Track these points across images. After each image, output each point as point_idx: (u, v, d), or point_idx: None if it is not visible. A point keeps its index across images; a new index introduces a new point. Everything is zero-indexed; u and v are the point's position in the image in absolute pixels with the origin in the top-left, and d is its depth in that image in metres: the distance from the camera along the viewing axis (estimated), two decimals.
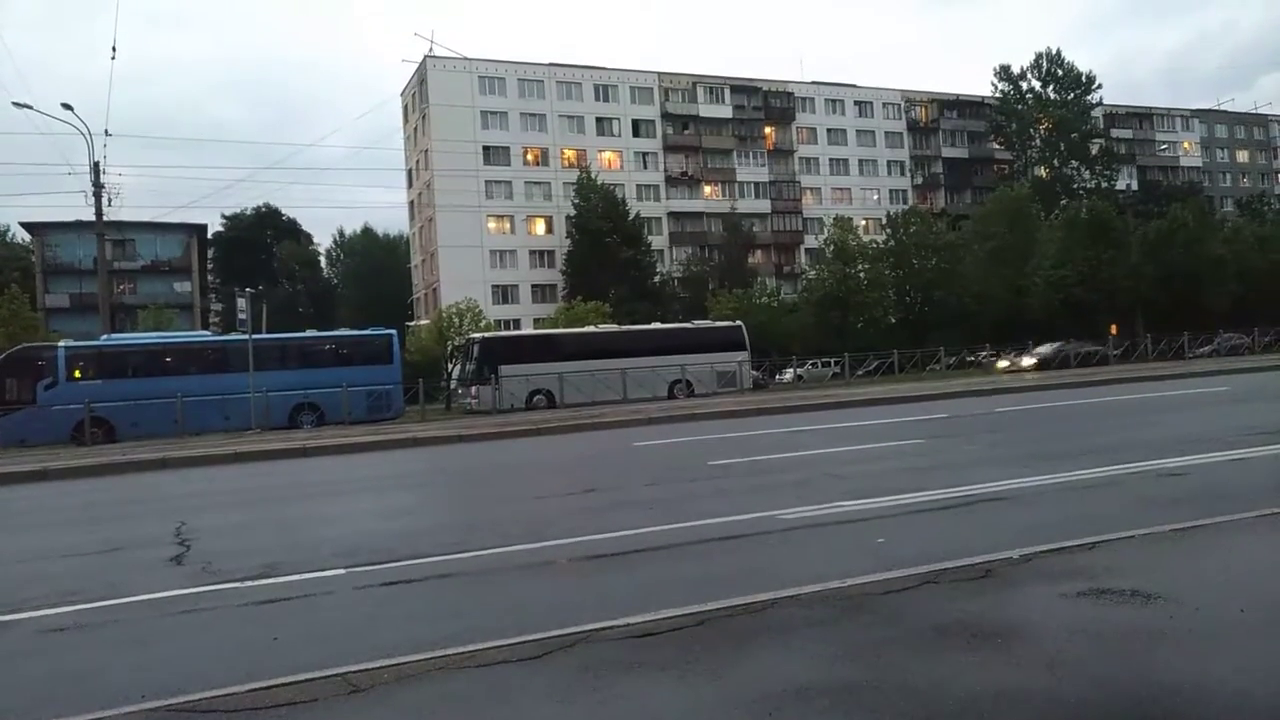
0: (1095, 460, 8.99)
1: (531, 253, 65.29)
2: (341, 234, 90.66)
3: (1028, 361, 40.51)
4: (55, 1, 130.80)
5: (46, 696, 3.90)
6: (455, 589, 5.64)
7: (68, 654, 4.70)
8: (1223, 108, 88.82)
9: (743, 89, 72.40)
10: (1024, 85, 76.28)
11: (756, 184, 72.35)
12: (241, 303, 25.09)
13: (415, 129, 68.10)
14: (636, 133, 69.28)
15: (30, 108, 28.08)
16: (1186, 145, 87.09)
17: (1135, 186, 78.65)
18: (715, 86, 71.80)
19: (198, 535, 8.10)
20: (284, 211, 75.87)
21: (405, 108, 71.27)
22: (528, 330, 49.91)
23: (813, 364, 46.24)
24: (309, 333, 33.25)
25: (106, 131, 39.87)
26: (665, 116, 70.10)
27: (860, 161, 76.44)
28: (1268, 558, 4.99)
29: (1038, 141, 76.32)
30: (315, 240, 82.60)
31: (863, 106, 77.09)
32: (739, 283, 57.73)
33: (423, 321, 56.04)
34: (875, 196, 75.70)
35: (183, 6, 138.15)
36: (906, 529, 6.54)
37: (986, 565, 4.83)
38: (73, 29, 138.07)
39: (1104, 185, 73.56)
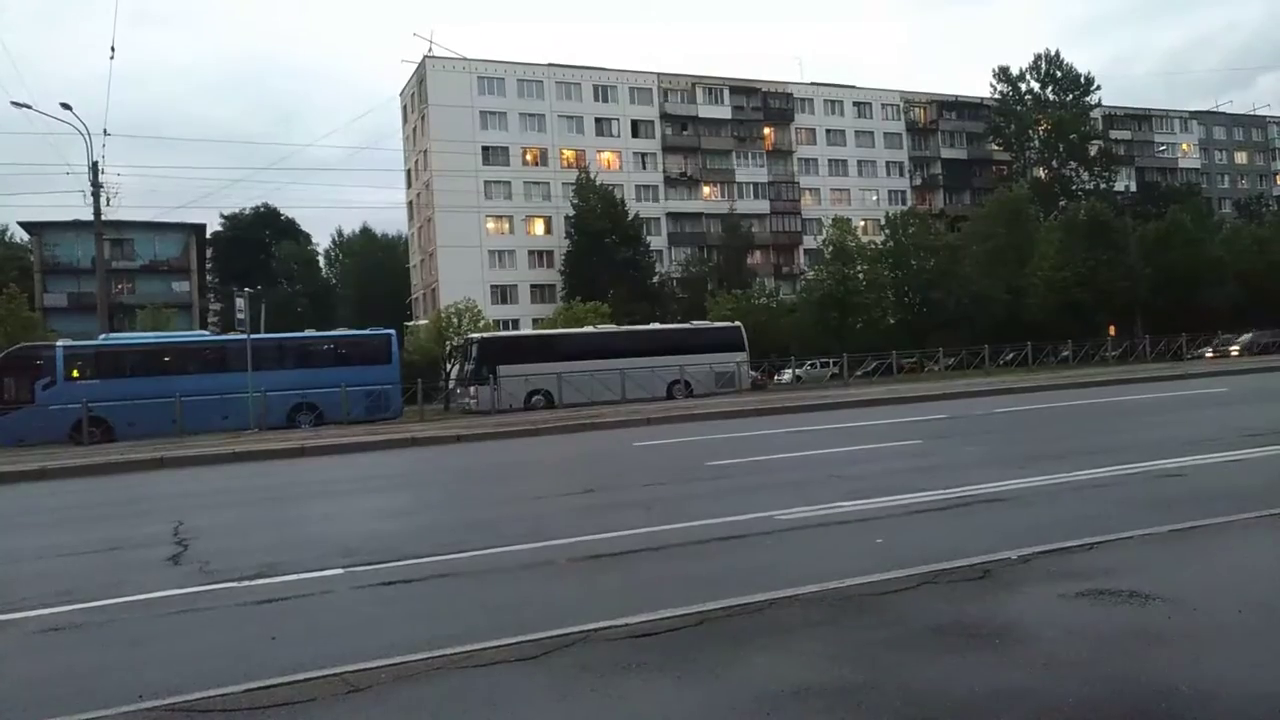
0: (1094, 461, 8.99)
1: (530, 253, 65.27)
2: (340, 234, 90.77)
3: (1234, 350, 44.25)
4: (46, 1, 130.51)
5: (43, 696, 3.89)
6: (454, 589, 5.64)
7: (64, 654, 4.69)
8: (1221, 109, 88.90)
9: (742, 90, 72.41)
10: (1023, 86, 76.26)
11: (755, 185, 72.36)
12: (240, 302, 25.09)
13: (414, 129, 68.08)
14: (635, 133, 69.26)
15: (29, 107, 28.07)
16: (1185, 147, 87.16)
17: (1134, 188, 78.64)
18: (714, 87, 71.81)
19: (195, 535, 8.09)
20: (283, 211, 75.82)
21: (404, 108, 71.25)
22: (526, 330, 49.89)
23: (811, 364, 46.27)
24: (307, 332, 33.23)
25: (105, 131, 40.00)
26: (664, 117, 70.09)
27: (859, 162, 76.45)
28: (1266, 559, 4.99)
29: (1036, 143, 76.31)
30: (314, 240, 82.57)
31: (861, 107, 77.12)
32: (738, 283, 57.71)
33: (421, 321, 55.99)
34: (874, 197, 75.72)
35: (177, 6, 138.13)
36: (905, 530, 6.54)
37: (985, 566, 4.83)
38: (63, 27, 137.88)
39: (1102, 186, 73.54)
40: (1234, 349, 44.54)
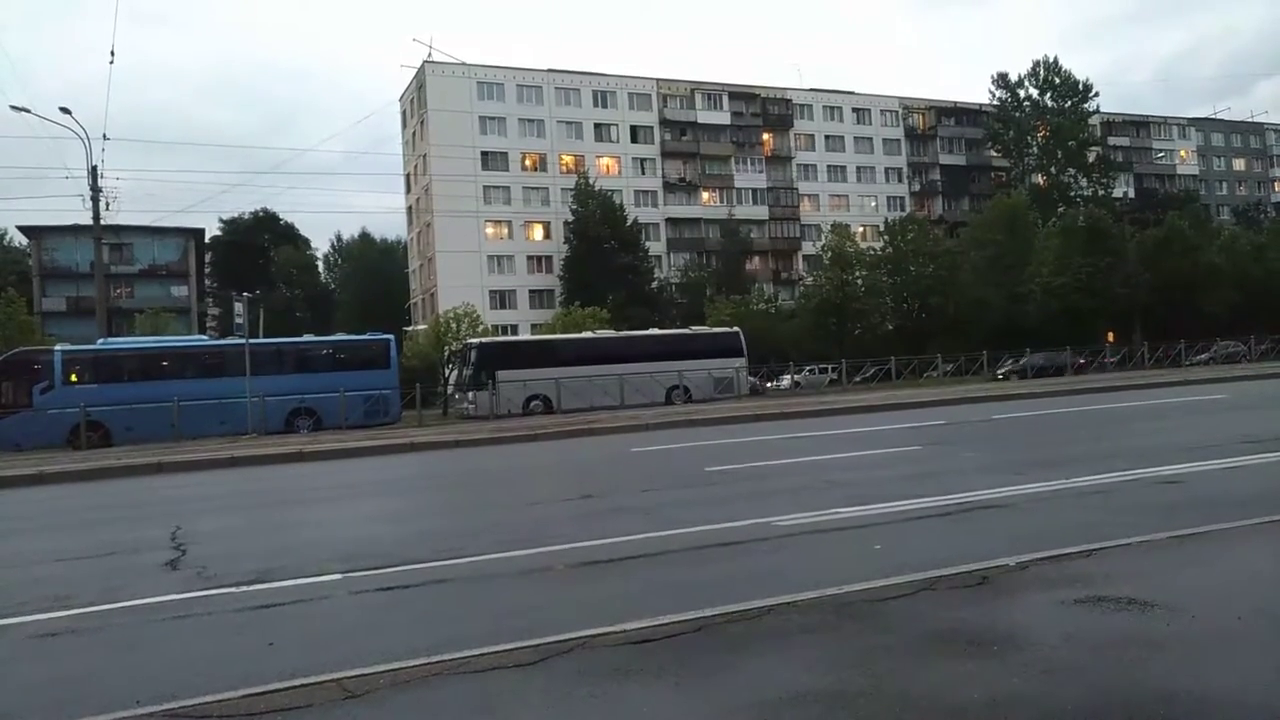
0: (1092, 468, 8.99)
1: (529, 258, 65.30)
2: (339, 239, 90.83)
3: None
4: (39, 2, 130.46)
5: (41, 701, 3.89)
6: (452, 594, 5.63)
7: (62, 659, 4.68)
8: (1219, 115, 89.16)
9: (741, 95, 72.52)
10: (1021, 93, 76.41)
11: (754, 190, 72.41)
12: (239, 307, 25.08)
13: (414, 134, 68.17)
14: (634, 139, 69.35)
15: (28, 111, 28.07)
16: (1183, 153, 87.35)
17: (1132, 194, 78.85)
18: (713, 93, 71.93)
19: (193, 540, 8.07)
20: (281, 216, 75.68)
21: (404, 113, 71.34)
22: (525, 335, 49.89)
23: (810, 370, 46.27)
24: (306, 337, 33.24)
25: (104, 135, 40.03)
26: (663, 123, 70.20)
27: (858, 168, 76.55)
28: (1265, 566, 4.99)
29: (1035, 149, 76.43)
30: (313, 245, 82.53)
31: (860, 113, 77.24)
32: (736, 289, 57.76)
33: (420, 326, 56.00)
34: (873, 203, 75.82)
35: (176, 9, 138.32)
36: (903, 536, 6.53)
37: (983, 572, 4.83)
38: (62, 31, 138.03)
39: (1101, 193, 73.68)
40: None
